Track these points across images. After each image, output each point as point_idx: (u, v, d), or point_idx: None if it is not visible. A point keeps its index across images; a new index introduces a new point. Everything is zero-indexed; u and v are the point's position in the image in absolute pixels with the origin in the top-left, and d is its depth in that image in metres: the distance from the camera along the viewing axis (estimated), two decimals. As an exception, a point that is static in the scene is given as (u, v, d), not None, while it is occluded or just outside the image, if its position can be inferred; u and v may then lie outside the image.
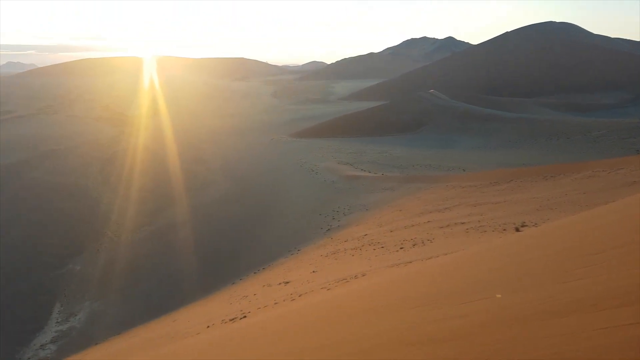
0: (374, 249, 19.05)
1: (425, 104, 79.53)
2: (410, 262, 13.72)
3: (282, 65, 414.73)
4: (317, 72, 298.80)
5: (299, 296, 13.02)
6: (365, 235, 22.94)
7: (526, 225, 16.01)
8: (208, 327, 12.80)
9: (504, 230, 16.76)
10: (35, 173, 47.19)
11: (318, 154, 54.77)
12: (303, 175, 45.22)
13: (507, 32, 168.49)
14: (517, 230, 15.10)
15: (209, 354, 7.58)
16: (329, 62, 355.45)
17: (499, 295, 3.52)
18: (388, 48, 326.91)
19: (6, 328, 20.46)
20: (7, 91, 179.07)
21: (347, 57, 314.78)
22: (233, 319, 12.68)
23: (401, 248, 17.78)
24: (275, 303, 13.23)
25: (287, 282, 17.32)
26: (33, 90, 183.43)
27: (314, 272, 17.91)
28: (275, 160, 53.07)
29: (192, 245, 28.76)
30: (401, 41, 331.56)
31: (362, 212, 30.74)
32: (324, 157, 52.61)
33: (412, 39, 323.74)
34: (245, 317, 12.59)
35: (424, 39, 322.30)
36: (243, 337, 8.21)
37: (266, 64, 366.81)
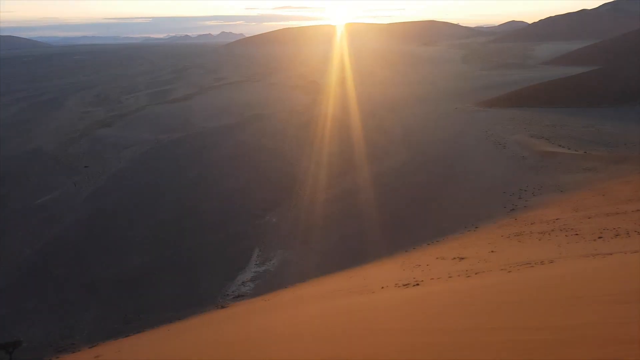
0: (566, 235, 17.27)
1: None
2: (610, 255, 12.15)
3: (476, 27, 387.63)
4: (515, 33, 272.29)
5: (475, 274, 12.77)
6: (557, 219, 20.86)
7: None
8: (382, 287, 13.55)
9: None
10: (244, 135, 54.71)
11: (509, 126, 50.69)
12: (489, 148, 42.59)
13: None
14: None
15: (387, 314, 8.18)
16: (530, 22, 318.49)
17: None
18: (605, 4, 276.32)
19: (216, 266, 24.82)
20: (222, 60, 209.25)
21: (553, 15, 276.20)
22: (406, 285, 13.17)
23: (599, 237, 15.77)
24: (450, 277, 13.24)
25: (462, 258, 17.01)
26: (242, 59, 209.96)
27: (492, 252, 17.20)
28: (459, 131, 51.05)
29: (371, 209, 30.13)
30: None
31: (556, 194, 27.79)
32: (515, 129, 48.46)
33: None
34: (417, 284, 12.95)
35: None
36: (417, 302, 8.61)
37: (457, 26, 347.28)
